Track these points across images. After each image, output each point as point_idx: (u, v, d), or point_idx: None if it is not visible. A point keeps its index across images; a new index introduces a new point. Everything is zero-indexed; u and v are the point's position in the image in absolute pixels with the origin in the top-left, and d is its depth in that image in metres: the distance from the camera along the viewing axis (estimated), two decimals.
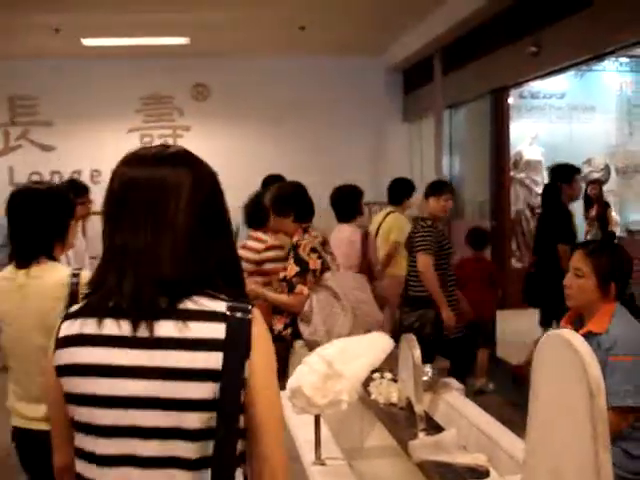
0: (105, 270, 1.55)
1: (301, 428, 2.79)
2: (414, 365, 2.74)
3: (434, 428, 2.81)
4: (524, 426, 1.79)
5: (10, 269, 2.82)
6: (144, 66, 9.88)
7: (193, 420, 1.46)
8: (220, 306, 1.50)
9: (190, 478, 1.48)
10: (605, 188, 10.62)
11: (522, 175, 10.49)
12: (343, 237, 5.44)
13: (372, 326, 3.76)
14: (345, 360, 2.48)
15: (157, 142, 10.28)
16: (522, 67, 6.94)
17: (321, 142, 10.16)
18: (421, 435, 2.69)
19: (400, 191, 6.66)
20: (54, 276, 2.75)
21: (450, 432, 2.61)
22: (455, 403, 3.17)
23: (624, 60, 10.92)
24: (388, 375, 3.20)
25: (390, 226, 6.41)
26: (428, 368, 3.43)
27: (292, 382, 2.50)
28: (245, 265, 4.50)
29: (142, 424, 1.48)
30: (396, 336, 4.62)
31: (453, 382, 3.52)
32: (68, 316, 1.58)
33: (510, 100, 8.64)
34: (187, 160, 1.62)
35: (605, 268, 2.99)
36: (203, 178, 1.60)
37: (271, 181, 5.95)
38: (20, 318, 2.54)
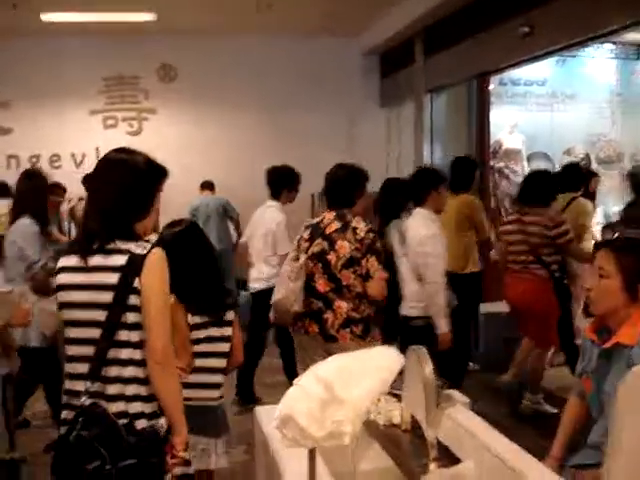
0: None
1: (291, 460, 2.35)
2: (425, 383, 2.31)
3: (446, 457, 2.40)
4: None
5: None
6: (108, 44, 9.32)
7: (102, 315, 2.38)
8: (129, 246, 2.40)
9: (88, 350, 2.41)
10: None
11: (501, 164, 10.08)
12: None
13: None
14: (347, 382, 2.03)
15: (121, 125, 9.78)
16: (512, 49, 6.53)
17: (292, 128, 9.69)
18: (432, 467, 2.27)
19: (576, 178, 6.41)
20: None
21: (467, 465, 2.19)
22: (463, 421, 2.75)
23: (608, 46, 10.60)
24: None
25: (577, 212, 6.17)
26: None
27: (282, 409, 2.06)
28: (533, 239, 5.24)
29: (82, 318, 2.44)
30: None
31: (456, 395, 3.11)
32: (61, 255, 2.55)
33: (490, 87, 8.24)
34: (123, 161, 2.52)
35: (633, 266, 2.57)
36: (130, 176, 2.48)
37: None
38: None
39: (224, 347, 3.33)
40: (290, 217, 5.87)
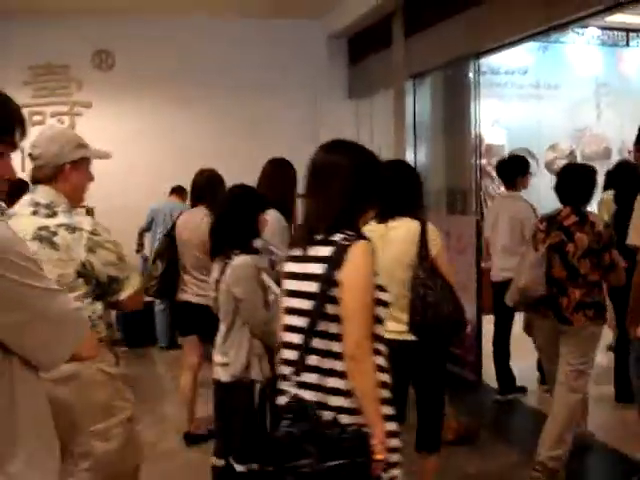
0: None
1: None
2: None
3: None
4: None
5: (373, 224, 3.56)
6: (34, 28, 8.03)
7: (303, 304, 2.49)
8: (338, 237, 2.44)
9: (296, 339, 2.49)
10: None
11: (483, 162, 9.06)
12: None
13: None
14: None
15: (50, 121, 8.45)
16: (520, 21, 5.45)
17: (250, 123, 8.52)
18: None
19: None
20: (408, 227, 3.77)
21: None
22: None
23: (593, 32, 9.71)
24: None
25: None
26: None
27: None
28: None
29: (290, 306, 2.58)
30: None
31: None
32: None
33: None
34: (346, 160, 2.54)
35: None
36: (355, 166, 2.52)
37: None
38: (384, 259, 2.98)
39: None
40: None
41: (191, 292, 5.22)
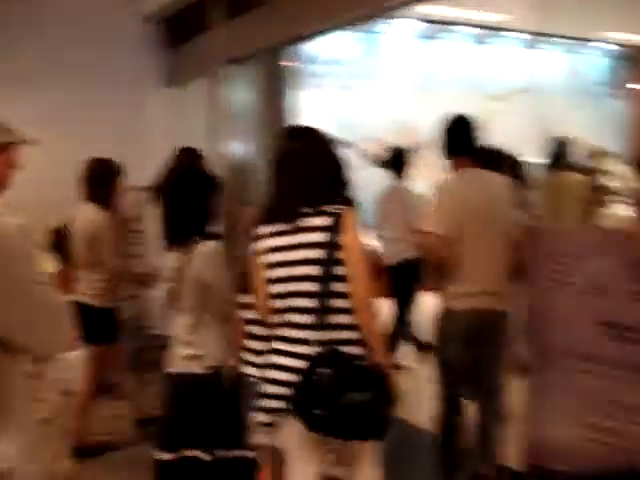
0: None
1: None
2: None
3: None
4: None
5: None
6: None
7: (311, 270, 2.78)
8: (331, 208, 2.80)
9: (309, 302, 2.80)
10: None
11: None
12: None
13: None
14: None
15: None
16: (338, 8, 5.34)
17: (52, 112, 7.64)
18: None
19: None
20: None
21: None
22: None
23: (412, 24, 9.88)
24: None
25: None
26: None
27: None
28: None
29: (290, 274, 2.83)
30: None
31: None
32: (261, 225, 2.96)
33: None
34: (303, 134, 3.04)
35: None
36: (315, 148, 2.94)
37: None
38: None
39: None
40: None
41: (81, 292, 4.93)
